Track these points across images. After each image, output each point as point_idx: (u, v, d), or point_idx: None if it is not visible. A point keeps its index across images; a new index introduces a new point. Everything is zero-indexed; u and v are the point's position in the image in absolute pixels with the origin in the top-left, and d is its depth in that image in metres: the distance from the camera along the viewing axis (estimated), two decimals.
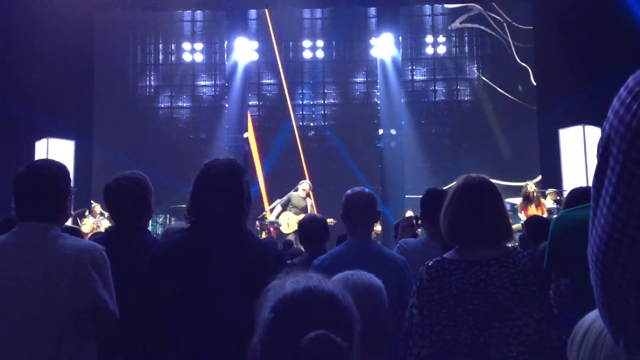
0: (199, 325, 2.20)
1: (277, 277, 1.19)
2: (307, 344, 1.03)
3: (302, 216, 11.35)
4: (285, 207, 11.55)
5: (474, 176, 2.50)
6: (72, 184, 2.74)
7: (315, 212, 11.33)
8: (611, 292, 0.97)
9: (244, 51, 14.85)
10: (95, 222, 11.49)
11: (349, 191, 3.47)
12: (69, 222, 8.75)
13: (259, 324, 1.13)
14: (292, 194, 11.67)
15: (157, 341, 2.26)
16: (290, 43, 15.92)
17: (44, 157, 11.82)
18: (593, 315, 1.17)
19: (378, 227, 11.57)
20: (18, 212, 2.59)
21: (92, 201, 11.75)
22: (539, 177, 13.28)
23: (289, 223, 11.52)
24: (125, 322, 2.44)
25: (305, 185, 11.58)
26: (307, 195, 11.60)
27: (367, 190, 3.51)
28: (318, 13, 15.88)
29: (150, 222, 3.32)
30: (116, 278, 2.53)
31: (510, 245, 2.60)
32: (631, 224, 0.92)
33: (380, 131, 14.82)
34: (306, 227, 4.50)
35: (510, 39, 15.08)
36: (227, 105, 15.13)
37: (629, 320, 0.96)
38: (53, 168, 2.66)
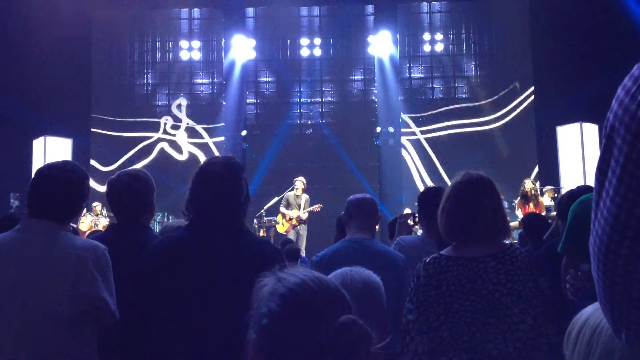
0: (197, 322, 2.20)
1: (267, 274, 1.17)
2: (340, 328, 1.03)
3: (295, 212, 11.42)
4: (286, 208, 11.59)
5: (472, 173, 2.51)
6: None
7: (306, 207, 11.37)
8: (614, 285, 0.95)
9: (241, 49, 14.83)
10: (94, 220, 11.49)
11: (351, 197, 3.55)
12: None
13: (259, 316, 1.12)
14: (289, 193, 11.70)
15: (156, 338, 2.27)
16: (288, 41, 15.90)
17: (42, 155, 11.85)
18: (589, 310, 1.17)
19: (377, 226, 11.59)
20: (31, 208, 2.58)
21: (94, 203, 11.76)
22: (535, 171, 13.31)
23: (283, 222, 11.56)
24: (125, 319, 2.45)
25: (299, 183, 11.60)
26: (303, 191, 11.61)
27: (368, 195, 3.64)
28: (315, 11, 15.86)
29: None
30: (117, 275, 2.53)
31: (507, 242, 2.60)
32: (635, 215, 0.90)
33: (378, 129, 14.81)
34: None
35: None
36: (224, 103, 15.11)
37: (631, 314, 0.95)
38: (79, 173, 2.66)
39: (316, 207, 11.46)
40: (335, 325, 1.04)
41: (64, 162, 2.74)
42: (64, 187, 2.56)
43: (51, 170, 2.62)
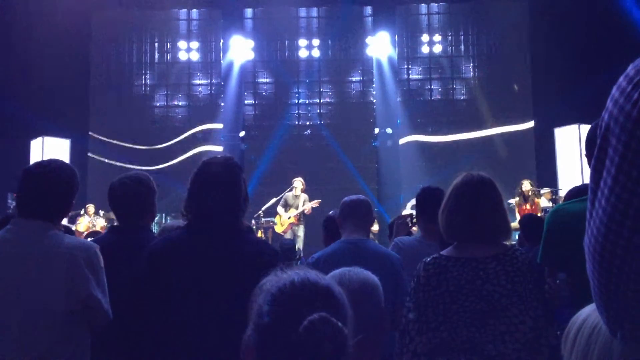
0: (196, 322, 2.20)
1: (271, 272, 1.19)
2: (309, 325, 1.03)
3: (292, 211, 11.45)
4: (284, 208, 11.61)
5: (473, 173, 2.51)
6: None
7: (308, 205, 11.39)
8: (609, 285, 0.95)
9: (239, 50, 14.82)
10: (91, 221, 11.48)
11: (345, 198, 3.55)
12: (64, 221, 8.76)
13: (254, 315, 1.13)
14: (287, 194, 11.72)
15: (155, 338, 2.26)
16: (286, 42, 15.91)
17: (40, 156, 11.82)
18: (587, 310, 1.17)
19: (375, 227, 11.61)
20: (21, 207, 2.58)
21: (87, 205, 11.75)
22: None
23: (282, 222, 11.58)
24: (123, 319, 2.44)
25: (297, 183, 11.63)
26: (302, 191, 11.64)
27: (363, 196, 3.65)
28: (314, 12, 15.87)
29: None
30: (118, 276, 2.52)
31: (508, 243, 2.60)
32: (630, 215, 0.90)
33: (376, 130, 14.81)
34: (333, 224, 4.33)
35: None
36: (222, 104, 15.10)
37: (626, 313, 0.95)
38: (67, 171, 2.66)
39: (315, 203, 11.50)
40: (305, 323, 1.04)
41: (51, 160, 2.74)
42: (52, 185, 2.57)
43: (38, 169, 2.62)
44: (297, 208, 11.49)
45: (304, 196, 11.60)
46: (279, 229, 11.59)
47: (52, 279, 2.41)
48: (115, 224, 3.26)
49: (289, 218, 11.47)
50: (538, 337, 2.26)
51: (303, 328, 1.03)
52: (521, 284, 2.31)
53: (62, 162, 2.72)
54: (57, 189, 2.58)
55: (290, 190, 11.74)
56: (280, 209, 11.65)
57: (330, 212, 4.35)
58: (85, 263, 2.45)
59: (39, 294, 2.39)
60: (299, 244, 11.09)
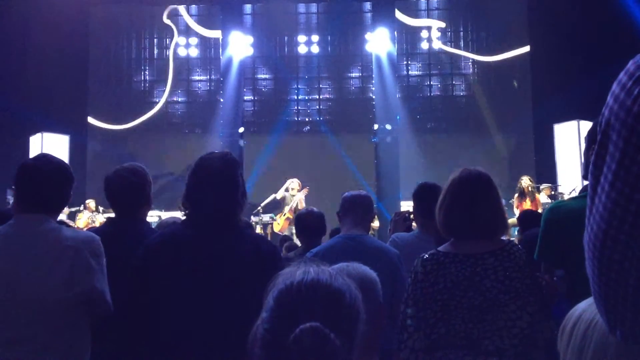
0: (192, 317, 2.20)
1: (291, 264, 1.18)
2: (298, 335, 1.02)
3: (287, 208, 11.55)
4: (281, 205, 11.71)
5: (470, 169, 2.51)
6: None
7: (299, 195, 11.49)
8: (609, 282, 0.95)
9: (239, 46, 14.79)
10: (90, 217, 11.47)
11: (346, 193, 3.57)
12: (64, 218, 8.76)
13: (263, 308, 1.13)
14: (285, 194, 11.80)
15: (151, 332, 2.27)
16: (285, 38, 15.89)
17: (39, 151, 11.80)
18: (583, 305, 1.17)
19: (376, 223, 11.64)
20: (20, 202, 2.59)
21: (87, 200, 11.75)
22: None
23: (279, 221, 11.67)
24: (119, 313, 2.45)
25: (294, 184, 11.71)
26: (299, 191, 11.72)
27: (363, 192, 3.68)
28: (313, 8, 15.84)
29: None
30: (114, 268, 2.54)
31: (505, 238, 2.60)
32: (631, 211, 0.90)
33: (375, 126, 14.78)
34: (303, 221, 4.40)
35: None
36: (221, 100, 15.08)
37: (626, 310, 0.94)
38: (62, 163, 2.69)
39: (304, 191, 11.64)
40: (295, 332, 1.03)
41: (42, 155, 2.77)
42: (46, 178, 2.58)
43: (31, 163, 2.64)
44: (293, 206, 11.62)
45: (299, 195, 11.69)
46: (276, 227, 11.67)
47: (57, 271, 2.42)
48: (112, 215, 3.28)
49: (284, 215, 11.56)
50: (535, 332, 2.26)
51: (293, 337, 1.03)
52: (518, 279, 2.31)
53: (51, 156, 2.74)
54: (52, 181, 2.59)
55: (287, 190, 11.84)
56: (277, 196, 11.81)
57: (302, 210, 4.43)
58: (90, 255, 2.47)
59: (44, 285, 2.40)
60: (297, 240, 11.14)
